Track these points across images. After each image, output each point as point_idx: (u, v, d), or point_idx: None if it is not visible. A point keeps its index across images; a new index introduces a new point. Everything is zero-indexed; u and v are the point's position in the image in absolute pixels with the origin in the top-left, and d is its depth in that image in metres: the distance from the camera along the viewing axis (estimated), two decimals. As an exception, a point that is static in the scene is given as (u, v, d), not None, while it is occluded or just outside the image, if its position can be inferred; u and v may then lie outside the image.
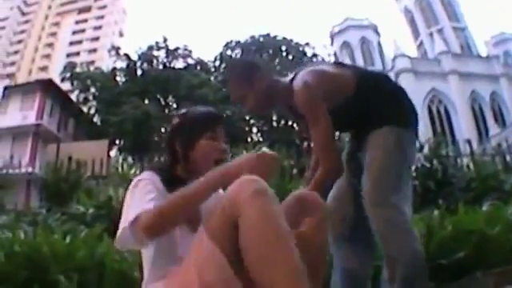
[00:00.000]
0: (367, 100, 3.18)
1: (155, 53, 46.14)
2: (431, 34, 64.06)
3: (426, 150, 9.06)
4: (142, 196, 2.17)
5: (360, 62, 61.80)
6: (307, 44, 52.65)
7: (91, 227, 5.44)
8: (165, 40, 46.36)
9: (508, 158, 11.46)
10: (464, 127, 51.37)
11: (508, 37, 69.11)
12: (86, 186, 9.22)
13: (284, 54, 51.04)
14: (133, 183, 2.29)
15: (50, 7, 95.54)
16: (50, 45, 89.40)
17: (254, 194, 1.84)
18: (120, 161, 11.68)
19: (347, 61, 57.84)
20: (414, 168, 8.65)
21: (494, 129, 48.02)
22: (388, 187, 3.00)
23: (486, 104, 55.51)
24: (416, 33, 70.57)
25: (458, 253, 4.09)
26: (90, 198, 7.58)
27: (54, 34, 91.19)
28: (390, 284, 2.99)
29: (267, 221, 1.81)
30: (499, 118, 54.59)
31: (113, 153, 33.37)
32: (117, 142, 39.08)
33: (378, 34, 68.89)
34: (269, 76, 3.24)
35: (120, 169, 9.82)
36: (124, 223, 2.11)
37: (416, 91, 53.29)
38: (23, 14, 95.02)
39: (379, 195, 2.98)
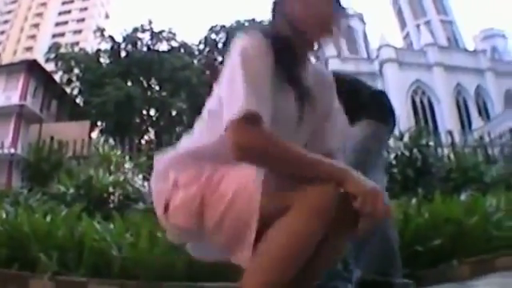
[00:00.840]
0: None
1: (140, 35, 45.89)
2: (418, 26, 64.35)
3: (406, 138, 9.11)
4: (250, 80, 1.72)
5: (345, 50, 61.84)
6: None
7: (71, 207, 5.45)
8: (150, 22, 46.13)
9: (490, 150, 11.55)
10: (447, 119, 51.70)
11: (496, 32, 69.63)
12: (67, 167, 9.20)
13: (270, 39, 50.83)
14: (238, 50, 1.80)
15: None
16: (36, 25, 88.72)
17: (316, 209, 1.62)
18: (101, 142, 11.67)
19: (332, 48, 57.84)
20: (393, 156, 8.74)
21: (477, 122, 48.38)
22: (364, 167, 3.04)
23: (471, 97, 55.89)
24: (403, 24, 70.86)
25: (435, 240, 4.13)
26: (71, 178, 7.58)
27: (40, 15, 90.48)
28: (356, 262, 3.11)
29: (296, 240, 1.64)
30: (483, 111, 55.03)
31: (94, 134, 33.23)
32: (99, 123, 38.90)
33: (363, 22, 68.94)
34: None
35: (101, 149, 9.79)
36: (228, 112, 1.70)
37: (400, 81, 53.66)
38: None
39: None
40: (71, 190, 7.09)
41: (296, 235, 1.63)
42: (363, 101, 3.42)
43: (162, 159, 2.05)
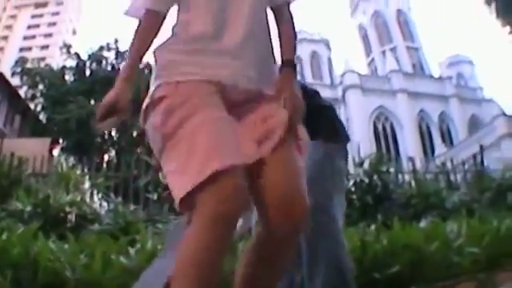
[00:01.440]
0: None
1: (105, 53, 45.49)
2: (383, 52, 65.14)
3: (366, 165, 9.17)
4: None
5: (308, 76, 62.44)
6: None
7: (28, 225, 5.38)
8: (116, 41, 45.76)
9: (452, 177, 11.64)
10: (409, 145, 52.35)
11: (462, 59, 70.90)
12: (26, 184, 9.05)
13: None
14: None
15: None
16: (5, 37, 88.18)
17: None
18: (62, 160, 11.56)
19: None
20: (352, 182, 8.79)
21: (440, 148, 48.95)
22: (321, 193, 3.00)
23: (434, 123, 56.70)
24: (368, 50, 71.76)
25: (393, 267, 4.12)
26: (29, 195, 7.45)
27: (9, 27, 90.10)
28: (309, 283, 3.00)
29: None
30: (447, 137, 55.75)
31: (56, 151, 32.86)
32: (60, 141, 38.49)
33: (329, 48, 69.63)
34: None
35: (60, 168, 9.70)
36: None
37: (363, 107, 54.31)
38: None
39: (311, 200, 2.99)
40: (28, 208, 6.95)
41: (198, 248, 1.71)
42: (310, 113, 3.32)
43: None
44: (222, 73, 2.01)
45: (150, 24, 2.14)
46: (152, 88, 2.06)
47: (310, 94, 3.40)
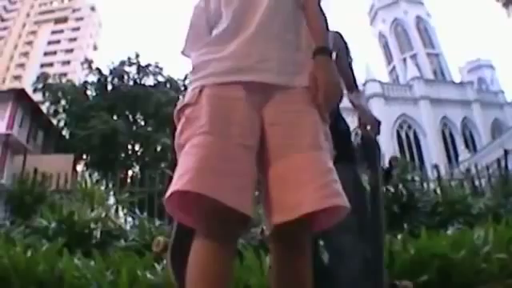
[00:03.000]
0: None
1: (127, 68, 45.54)
2: (404, 60, 64.76)
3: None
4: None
5: (330, 84, 62.32)
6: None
7: (53, 241, 5.39)
8: (137, 56, 45.85)
9: (477, 182, 11.52)
10: (433, 152, 51.89)
11: (483, 63, 70.36)
12: (50, 200, 9.09)
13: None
14: None
15: (28, 15, 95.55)
16: (26, 54, 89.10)
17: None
18: (86, 176, 11.62)
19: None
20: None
21: (464, 154, 48.51)
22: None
23: (457, 129, 56.21)
24: (389, 58, 71.33)
25: (422, 276, 4.08)
26: (53, 212, 7.47)
27: (29, 43, 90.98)
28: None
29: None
30: (470, 143, 55.29)
31: (80, 167, 33.02)
32: (84, 156, 38.62)
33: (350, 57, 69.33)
34: None
35: (84, 184, 9.74)
36: None
37: (386, 116, 53.85)
38: (2, 20, 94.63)
39: None
40: (53, 225, 6.98)
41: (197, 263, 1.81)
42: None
43: None
44: (244, 70, 2.01)
45: None
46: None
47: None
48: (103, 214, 7.49)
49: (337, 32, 3.44)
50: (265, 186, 1.95)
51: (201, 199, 1.75)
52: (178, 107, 2.05)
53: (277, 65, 2.05)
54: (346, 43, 3.41)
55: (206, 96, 1.96)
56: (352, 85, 3.40)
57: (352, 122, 3.47)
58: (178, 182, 1.77)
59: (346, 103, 3.36)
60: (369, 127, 3.12)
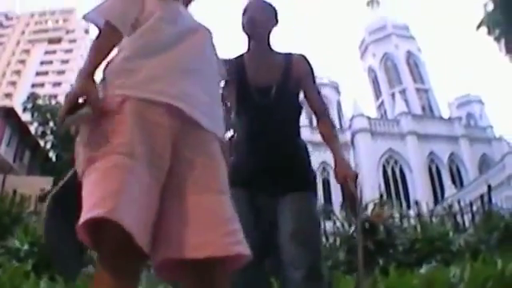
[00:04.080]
0: None
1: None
2: (393, 95, 65.05)
3: (369, 210, 9.13)
4: None
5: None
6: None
7: (23, 263, 5.35)
8: (126, 78, 46.28)
9: (459, 218, 11.53)
10: (419, 188, 51.94)
11: (472, 98, 70.81)
12: (27, 221, 9.03)
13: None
14: None
15: (23, 32, 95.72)
16: (18, 72, 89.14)
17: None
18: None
19: (304, 119, 58.54)
20: (353, 229, 8.75)
21: (450, 190, 48.53)
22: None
23: (444, 165, 56.35)
24: (378, 92, 71.70)
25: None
26: (27, 233, 7.42)
27: (22, 62, 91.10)
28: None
29: None
30: (457, 178, 55.41)
31: (64, 190, 32.86)
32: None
33: (338, 92, 69.57)
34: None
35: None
36: None
37: (372, 151, 54.15)
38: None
39: None
40: (25, 246, 6.95)
41: None
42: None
43: None
44: (173, 96, 2.00)
45: (103, 36, 2.08)
46: None
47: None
48: (74, 239, 7.43)
49: (302, 55, 3.37)
50: (159, 218, 1.88)
51: (116, 230, 1.65)
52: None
53: (205, 106, 2.08)
54: (311, 67, 3.37)
55: (129, 111, 1.89)
56: (322, 112, 3.35)
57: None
58: (101, 205, 1.66)
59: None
60: (348, 180, 3.08)
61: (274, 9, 3.36)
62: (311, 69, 3.34)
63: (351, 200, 3.06)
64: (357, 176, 3.09)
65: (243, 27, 3.27)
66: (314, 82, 3.35)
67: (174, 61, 2.07)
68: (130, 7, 2.14)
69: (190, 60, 2.12)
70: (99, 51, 2.02)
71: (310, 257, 2.85)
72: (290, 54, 3.35)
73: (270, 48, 3.30)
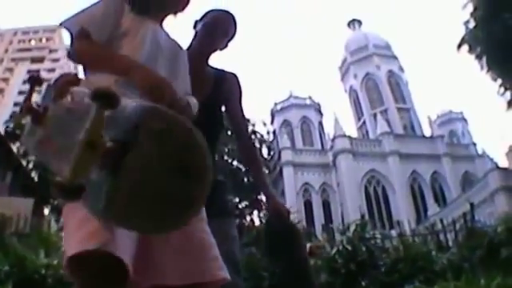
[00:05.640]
0: None
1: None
2: (375, 115, 65.07)
3: (350, 232, 9.15)
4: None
5: (299, 142, 62.58)
6: (247, 120, 53.01)
7: (3, 285, 5.33)
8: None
9: (442, 237, 11.53)
10: (402, 208, 51.82)
11: (454, 116, 71.07)
12: (8, 242, 8.94)
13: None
14: None
15: (6, 51, 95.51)
16: (1, 90, 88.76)
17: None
18: (52, 221, 11.45)
19: (286, 139, 58.73)
20: (335, 250, 8.75)
21: (433, 208, 48.58)
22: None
23: (427, 184, 56.41)
24: (359, 113, 71.53)
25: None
26: (8, 254, 7.36)
27: (5, 80, 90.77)
28: None
29: None
30: (440, 197, 55.50)
31: (46, 211, 32.60)
32: (51, 200, 38.14)
33: (320, 113, 69.30)
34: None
35: (46, 229, 9.64)
36: None
37: (354, 172, 54.15)
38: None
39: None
40: (6, 268, 6.89)
41: None
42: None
43: None
44: None
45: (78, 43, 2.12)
46: None
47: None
48: (55, 261, 7.37)
49: (233, 74, 3.35)
50: (138, 242, 1.85)
51: (102, 261, 1.65)
52: None
53: None
54: (241, 88, 3.36)
55: None
56: (244, 134, 3.36)
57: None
58: (92, 238, 1.65)
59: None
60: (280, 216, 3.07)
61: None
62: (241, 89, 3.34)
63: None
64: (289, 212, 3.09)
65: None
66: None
67: None
68: (108, 20, 2.15)
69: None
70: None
71: None
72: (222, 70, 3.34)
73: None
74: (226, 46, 3.28)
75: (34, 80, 2.01)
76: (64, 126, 1.67)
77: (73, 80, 1.98)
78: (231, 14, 3.28)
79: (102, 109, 1.48)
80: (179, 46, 2.41)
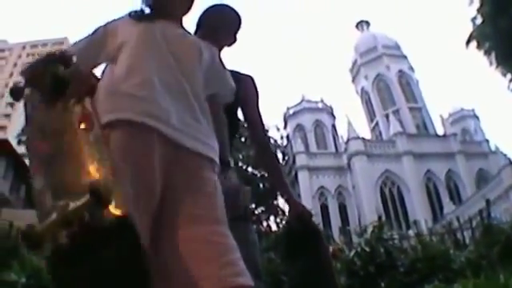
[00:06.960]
0: None
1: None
2: (387, 116, 64.85)
3: (368, 233, 9.10)
4: None
5: (313, 145, 62.53)
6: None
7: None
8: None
9: (459, 235, 11.44)
10: (417, 207, 51.67)
11: (466, 113, 70.69)
12: (24, 254, 8.97)
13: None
14: None
15: (15, 65, 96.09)
16: (12, 104, 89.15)
17: None
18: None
19: (300, 144, 58.62)
20: (354, 252, 8.70)
21: (448, 206, 48.31)
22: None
23: (441, 182, 56.15)
24: (372, 114, 71.40)
25: None
26: (24, 266, 7.38)
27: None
28: None
29: None
30: (455, 195, 55.18)
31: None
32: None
33: (333, 116, 69.24)
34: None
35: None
36: None
37: (368, 174, 54.00)
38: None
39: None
40: (23, 280, 6.91)
41: None
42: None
43: None
44: (162, 120, 1.90)
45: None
46: None
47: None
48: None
49: (249, 76, 3.27)
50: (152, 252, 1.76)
51: None
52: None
53: (191, 129, 1.99)
54: (257, 90, 3.28)
55: (120, 134, 1.81)
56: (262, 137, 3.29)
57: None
58: None
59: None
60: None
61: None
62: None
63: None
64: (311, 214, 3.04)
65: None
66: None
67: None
68: (90, 50, 2.20)
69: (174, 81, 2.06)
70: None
71: None
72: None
73: None
74: (234, 40, 3.18)
75: (17, 92, 2.07)
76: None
77: (89, 87, 1.94)
78: (231, 8, 3.17)
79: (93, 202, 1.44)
80: (205, 44, 2.32)
